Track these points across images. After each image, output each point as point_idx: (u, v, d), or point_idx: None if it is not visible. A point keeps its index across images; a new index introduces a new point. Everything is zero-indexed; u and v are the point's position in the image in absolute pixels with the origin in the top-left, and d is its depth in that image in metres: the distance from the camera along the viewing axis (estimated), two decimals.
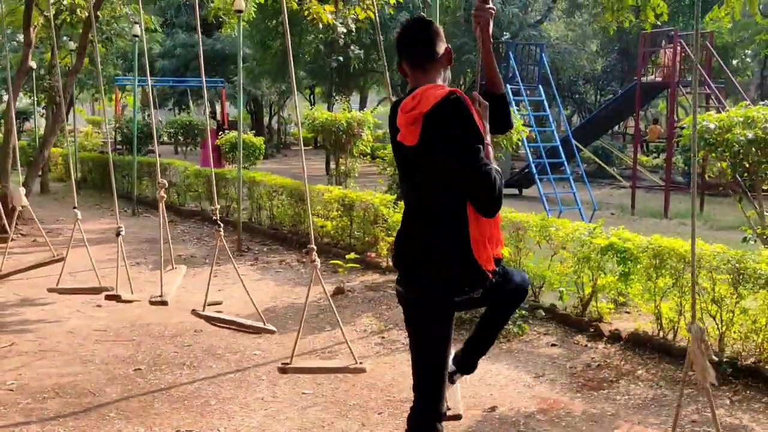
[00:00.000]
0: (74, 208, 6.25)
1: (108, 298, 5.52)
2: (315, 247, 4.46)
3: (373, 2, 9.73)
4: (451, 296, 2.90)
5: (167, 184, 5.58)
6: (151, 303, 5.24)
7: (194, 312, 5.29)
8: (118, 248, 5.58)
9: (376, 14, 6.10)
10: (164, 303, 5.20)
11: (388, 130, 3.09)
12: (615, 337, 5.93)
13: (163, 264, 5.69)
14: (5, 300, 6.75)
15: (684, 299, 5.59)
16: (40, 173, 16.45)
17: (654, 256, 5.79)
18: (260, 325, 5.14)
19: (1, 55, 11.31)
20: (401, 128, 2.84)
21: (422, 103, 2.77)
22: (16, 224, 10.96)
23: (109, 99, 25.99)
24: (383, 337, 6.12)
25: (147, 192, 14.55)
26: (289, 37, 4.73)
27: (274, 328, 5.22)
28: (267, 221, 11.10)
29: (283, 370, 4.43)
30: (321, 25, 10.21)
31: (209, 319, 5.30)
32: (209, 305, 7.05)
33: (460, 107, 2.74)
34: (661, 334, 5.77)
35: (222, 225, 5.50)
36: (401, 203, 8.50)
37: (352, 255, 8.08)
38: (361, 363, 4.41)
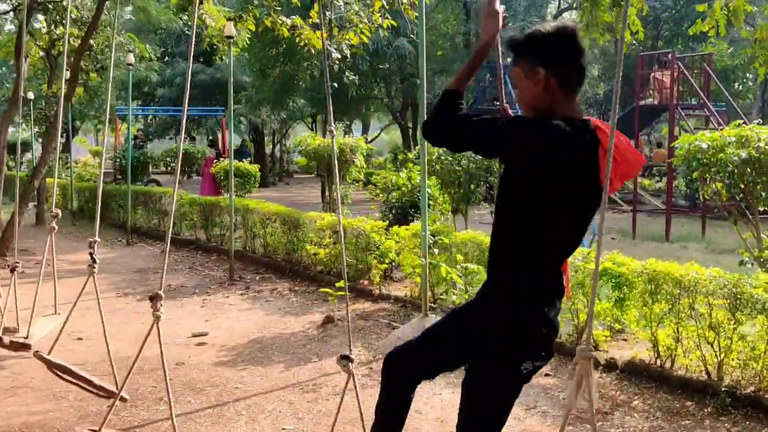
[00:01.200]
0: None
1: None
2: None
3: (370, 27, 9.70)
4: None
5: (59, 214, 5.24)
6: (11, 344, 4.85)
7: (37, 355, 4.48)
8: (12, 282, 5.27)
9: (369, 39, 5.93)
10: (27, 347, 4.82)
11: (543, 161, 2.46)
12: (611, 366, 5.71)
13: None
14: None
15: (681, 326, 5.39)
16: (36, 204, 16.38)
17: (649, 281, 5.60)
18: (111, 388, 4.39)
19: None
20: (617, 178, 2.55)
21: (637, 155, 2.66)
22: (4, 255, 10.84)
23: (111, 129, 26.01)
24: (371, 368, 5.91)
25: (141, 222, 14.41)
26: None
27: (127, 396, 4.55)
28: (261, 249, 10.94)
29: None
30: (314, 51, 10.11)
31: (53, 366, 4.48)
32: (195, 336, 6.91)
33: None
34: (658, 362, 5.56)
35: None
36: (393, 229, 8.35)
37: (342, 283, 7.88)
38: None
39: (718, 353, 5.16)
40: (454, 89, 2.63)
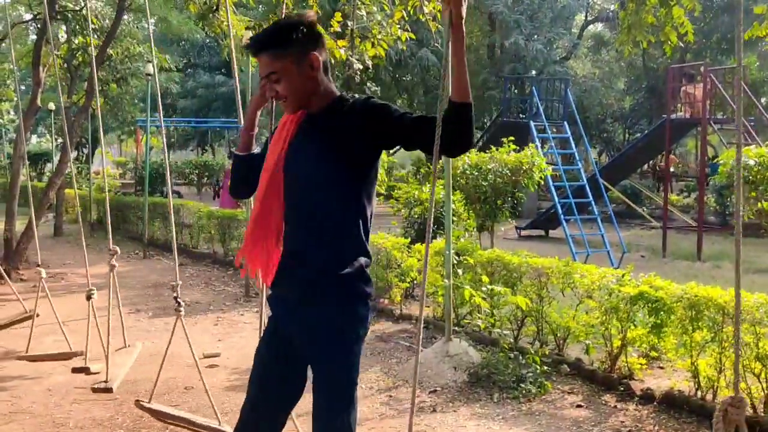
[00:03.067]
0: (38, 265, 5.76)
1: (75, 371, 4.86)
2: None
3: (388, 39, 9.39)
4: None
5: (119, 252, 4.94)
6: (94, 390, 4.64)
7: (138, 404, 4.49)
8: (89, 312, 4.98)
9: (391, 50, 5.62)
10: (109, 390, 4.59)
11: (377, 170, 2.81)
12: (647, 398, 5.32)
13: (109, 341, 4.98)
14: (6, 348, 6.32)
15: (724, 355, 5.00)
16: (54, 215, 16.24)
17: (689, 307, 5.21)
18: (215, 425, 4.39)
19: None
20: None
21: None
22: (18, 268, 10.64)
23: (134, 140, 26.01)
24: (390, 396, 5.57)
25: (159, 234, 14.19)
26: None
27: (229, 429, 4.37)
28: None
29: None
30: (333, 61, 9.81)
31: (155, 414, 4.50)
32: (206, 357, 6.61)
33: None
34: (699, 394, 5.17)
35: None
36: (415, 247, 8.01)
37: None
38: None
39: (765, 387, 4.78)
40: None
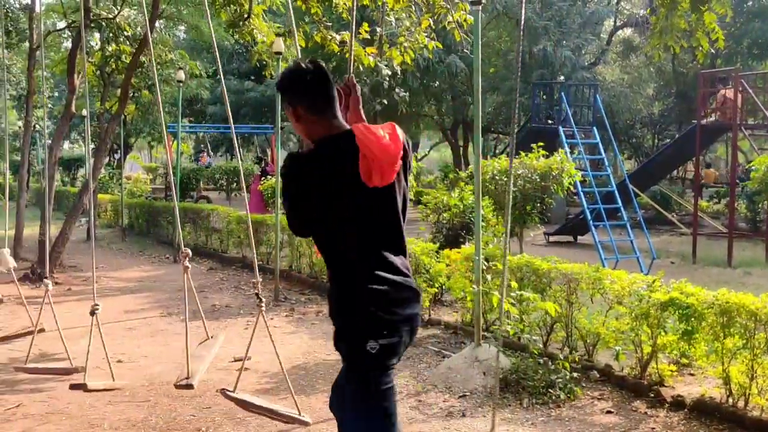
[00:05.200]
0: (45, 278, 5.80)
1: (72, 387, 4.83)
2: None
3: (414, 47, 9.45)
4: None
5: (190, 254, 4.91)
6: (177, 387, 4.69)
7: (224, 392, 4.58)
8: (91, 328, 4.97)
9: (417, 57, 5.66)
10: (190, 387, 4.64)
11: (306, 182, 2.79)
12: (678, 404, 5.30)
13: (189, 333, 4.96)
14: (23, 354, 6.42)
15: (756, 362, 4.96)
16: (86, 220, 16.47)
17: (721, 314, 5.18)
18: (294, 414, 4.47)
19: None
20: (379, 171, 2.70)
21: (395, 139, 2.75)
22: (52, 272, 10.82)
23: (164, 146, 26.30)
24: (420, 401, 5.60)
25: (189, 239, 14.36)
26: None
27: (309, 420, 4.54)
28: (307, 269, 10.72)
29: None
30: (361, 68, 9.89)
31: (239, 403, 4.59)
32: (236, 361, 6.68)
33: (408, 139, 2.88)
34: (731, 401, 5.13)
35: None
36: (444, 252, 8.02)
37: None
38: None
39: None
40: None
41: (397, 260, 2.78)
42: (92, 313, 4.95)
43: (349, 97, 3.09)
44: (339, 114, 2.90)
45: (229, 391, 4.45)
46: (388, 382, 2.74)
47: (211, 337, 5.54)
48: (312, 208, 2.77)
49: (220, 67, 5.34)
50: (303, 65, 2.88)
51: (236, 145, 6.42)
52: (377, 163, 2.68)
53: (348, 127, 2.84)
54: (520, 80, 24.73)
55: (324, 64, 2.95)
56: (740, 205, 18.27)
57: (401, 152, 2.75)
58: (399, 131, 2.80)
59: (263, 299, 4.54)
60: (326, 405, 5.38)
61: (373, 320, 2.68)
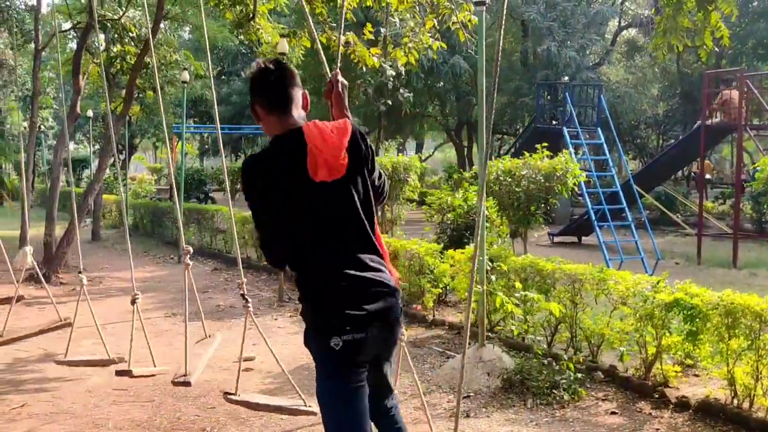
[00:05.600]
0: (79, 272, 5.82)
1: (119, 373, 4.93)
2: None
3: (419, 47, 9.45)
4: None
5: (191, 251, 4.92)
6: (174, 384, 4.69)
7: (226, 396, 4.58)
8: (133, 317, 5.03)
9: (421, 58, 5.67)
10: (187, 384, 4.65)
11: (257, 185, 2.83)
12: (683, 405, 5.29)
13: (188, 332, 4.96)
14: (28, 355, 6.46)
15: (761, 363, 4.95)
16: (91, 220, 16.52)
17: (726, 314, 5.17)
18: (300, 406, 4.46)
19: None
20: (324, 165, 2.75)
21: (341, 132, 2.80)
22: (57, 272, 10.85)
23: (170, 147, 26.32)
24: (424, 401, 5.58)
25: (194, 239, 14.38)
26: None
27: (315, 409, 4.58)
28: None
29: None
30: (365, 69, 9.90)
31: (243, 404, 4.60)
32: (243, 360, 6.68)
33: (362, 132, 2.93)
34: (735, 402, 5.12)
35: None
36: (448, 253, 8.02)
37: None
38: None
39: None
40: None
41: (363, 256, 2.77)
42: (133, 302, 5.08)
43: (331, 93, 3.18)
44: (297, 114, 2.91)
45: (230, 394, 4.45)
46: (357, 380, 2.71)
47: (209, 336, 5.56)
48: (273, 214, 2.78)
49: (210, 63, 5.34)
50: (263, 65, 2.92)
51: (221, 147, 6.41)
52: (322, 157, 2.72)
53: (301, 124, 2.87)
54: (525, 81, 24.79)
55: (287, 65, 3.00)
56: (745, 206, 18.22)
57: (345, 145, 2.76)
58: (350, 125, 2.84)
59: (249, 300, 4.63)
60: None
61: (335, 317, 2.67)
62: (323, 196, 2.74)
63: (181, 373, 4.61)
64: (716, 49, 7.12)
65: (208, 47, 5.45)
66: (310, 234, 2.76)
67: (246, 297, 4.48)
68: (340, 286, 2.71)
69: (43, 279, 7.14)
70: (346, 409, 2.70)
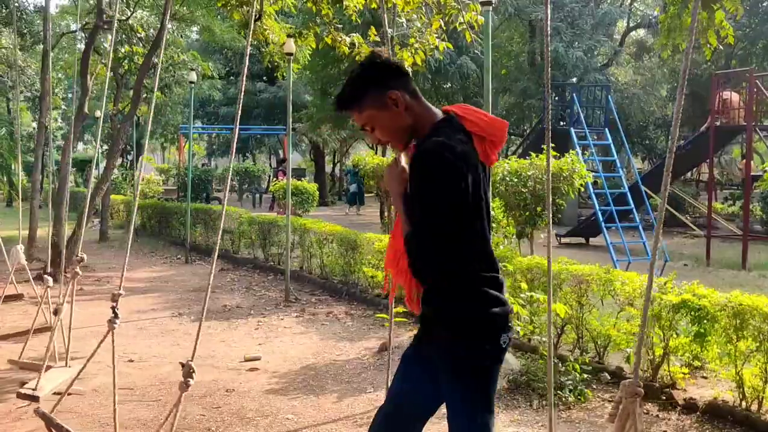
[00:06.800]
0: (72, 274, 5.81)
1: (20, 396, 4.83)
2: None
3: (426, 48, 9.42)
4: None
5: (84, 259, 4.94)
6: (19, 396, 4.63)
7: (38, 411, 4.33)
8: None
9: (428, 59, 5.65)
10: (35, 399, 4.58)
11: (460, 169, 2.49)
12: (690, 407, 5.25)
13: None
14: (37, 354, 6.46)
15: None
16: (99, 220, 16.56)
17: (734, 316, 5.13)
18: None
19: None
20: (492, 145, 2.62)
21: (491, 117, 2.69)
22: (65, 272, 10.86)
23: (177, 147, 26.36)
24: None
25: (200, 239, 14.39)
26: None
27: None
28: (318, 270, 10.73)
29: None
30: None
31: (50, 425, 4.30)
32: (247, 360, 6.69)
33: None
34: (744, 404, 5.08)
35: None
36: None
37: (401, 308, 7.57)
38: None
39: None
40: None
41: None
42: (55, 312, 5.01)
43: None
44: None
45: (43, 411, 4.24)
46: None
47: (68, 366, 5.64)
48: (471, 208, 2.51)
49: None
50: (382, 54, 2.67)
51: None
52: (489, 141, 2.60)
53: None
54: (532, 82, 24.74)
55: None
56: (755, 207, 18.13)
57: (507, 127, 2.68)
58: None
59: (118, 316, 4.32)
60: (336, 405, 5.40)
61: (506, 314, 2.59)
62: (487, 186, 2.64)
63: (31, 386, 4.57)
64: (721, 48, 7.06)
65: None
66: (481, 227, 2.58)
67: (116, 311, 4.31)
68: (498, 279, 2.61)
69: (51, 279, 7.13)
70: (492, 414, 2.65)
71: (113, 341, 4.29)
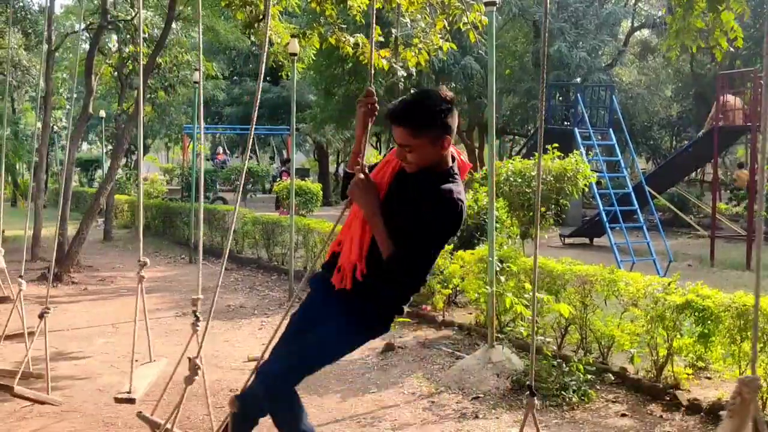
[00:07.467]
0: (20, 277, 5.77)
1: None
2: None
3: (429, 49, 9.42)
4: None
5: (148, 263, 4.95)
6: (117, 401, 4.66)
7: (140, 415, 4.50)
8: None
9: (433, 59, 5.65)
10: (131, 401, 4.60)
11: None
12: (694, 408, 5.25)
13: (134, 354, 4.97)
14: (41, 353, 6.46)
15: None
16: (103, 220, 16.58)
17: (738, 316, 5.13)
18: None
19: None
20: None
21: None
22: (69, 271, 10.89)
23: (181, 147, 26.39)
24: (432, 402, 5.58)
25: (205, 239, 14.40)
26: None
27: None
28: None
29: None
30: (375, 70, 9.86)
31: (153, 427, 4.46)
32: (250, 360, 6.69)
33: None
34: None
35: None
36: (458, 254, 7.99)
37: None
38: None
39: None
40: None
41: None
42: (41, 316, 4.95)
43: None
44: None
45: (145, 414, 4.39)
46: None
47: (154, 360, 5.55)
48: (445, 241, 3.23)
49: (201, 57, 5.34)
50: (445, 97, 2.95)
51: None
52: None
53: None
54: (536, 82, 24.67)
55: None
56: (760, 207, 18.07)
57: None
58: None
59: (200, 318, 4.49)
60: (339, 405, 5.41)
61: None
62: None
63: (125, 389, 4.63)
64: (731, 49, 7.05)
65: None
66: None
67: (198, 315, 4.50)
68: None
69: (55, 278, 7.17)
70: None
71: (200, 342, 4.31)
